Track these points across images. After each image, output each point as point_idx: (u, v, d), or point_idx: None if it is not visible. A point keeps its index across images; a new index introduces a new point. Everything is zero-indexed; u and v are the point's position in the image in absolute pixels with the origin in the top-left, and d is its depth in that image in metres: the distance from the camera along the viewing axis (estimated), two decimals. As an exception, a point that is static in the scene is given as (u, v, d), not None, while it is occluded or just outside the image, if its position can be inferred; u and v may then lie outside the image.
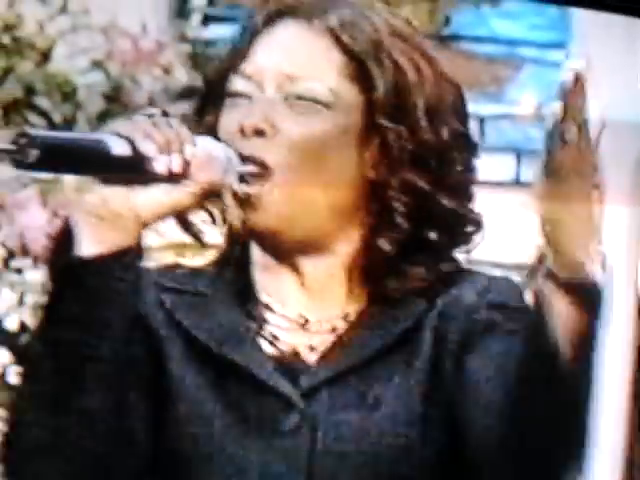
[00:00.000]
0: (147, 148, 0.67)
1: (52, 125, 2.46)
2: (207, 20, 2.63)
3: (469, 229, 0.79)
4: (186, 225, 0.76)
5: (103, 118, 2.44)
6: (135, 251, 0.69)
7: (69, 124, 2.45)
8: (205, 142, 0.71)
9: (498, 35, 2.83)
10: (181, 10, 2.66)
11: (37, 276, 2.44)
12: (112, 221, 0.67)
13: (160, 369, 0.72)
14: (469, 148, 0.80)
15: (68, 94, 2.50)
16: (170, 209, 0.70)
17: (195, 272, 0.79)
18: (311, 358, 0.76)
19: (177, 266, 0.80)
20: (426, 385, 0.73)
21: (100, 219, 0.67)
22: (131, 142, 0.67)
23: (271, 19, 0.78)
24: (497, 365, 0.70)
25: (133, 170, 0.68)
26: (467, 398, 0.71)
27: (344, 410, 0.72)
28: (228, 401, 0.73)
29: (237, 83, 0.77)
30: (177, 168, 0.68)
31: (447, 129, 0.77)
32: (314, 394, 0.74)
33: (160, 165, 0.67)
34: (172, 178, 0.68)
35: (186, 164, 0.68)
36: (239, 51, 0.78)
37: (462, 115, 0.79)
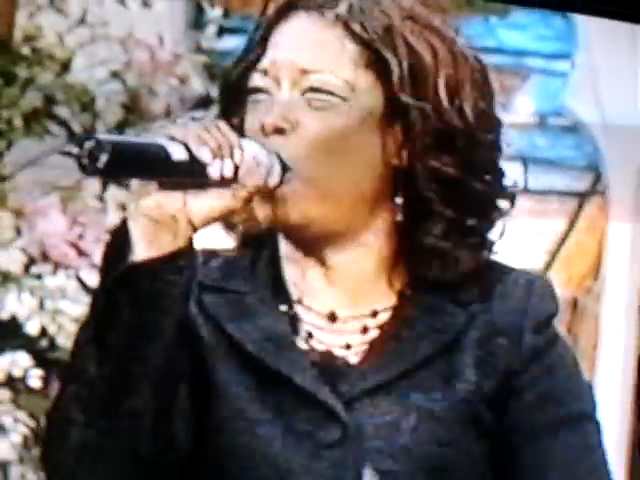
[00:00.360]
0: (202, 153, 0.68)
1: (71, 134, 2.52)
2: (222, 31, 2.69)
3: (503, 209, 0.78)
4: (231, 226, 0.78)
5: (121, 127, 2.50)
6: (187, 254, 0.69)
7: (88, 133, 2.50)
8: (249, 145, 0.72)
9: (506, 46, 2.89)
10: (197, 22, 2.72)
11: (57, 281, 2.51)
12: (166, 225, 0.68)
13: (204, 372, 0.73)
14: (495, 127, 0.78)
15: (87, 104, 2.56)
16: (220, 213, 0.71)
17: (228, 266, 0.79)
18: (350, 361, 0.74)
19: (212, 254, 0.79)
20: (470, 397, 0.72)
21: (155, 223, 0.68)
22: (187, 147, 0.68)
23: (283, 12, 0.77)
24: (540, 395, 0.72)
25: (189, 175, 0.69)
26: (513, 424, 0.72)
27: (389, 422, 0.71)
28: (271, 407, 0.72)
29: (256, 79, 0.76)
30: (229, 173, 0.69)
31: (471, 109, 0.75)
32: (357, 403, 0.72)
33: (214, 170, 0.69)
34: (223, 182, 0.70)
35: (236, 168, 0.70)
36: (256, 47, 0.77)
37: (486, 94, 0.77)
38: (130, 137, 0.78)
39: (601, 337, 2.95)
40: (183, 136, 0.68)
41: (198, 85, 2.56)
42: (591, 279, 3.10)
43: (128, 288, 0.68)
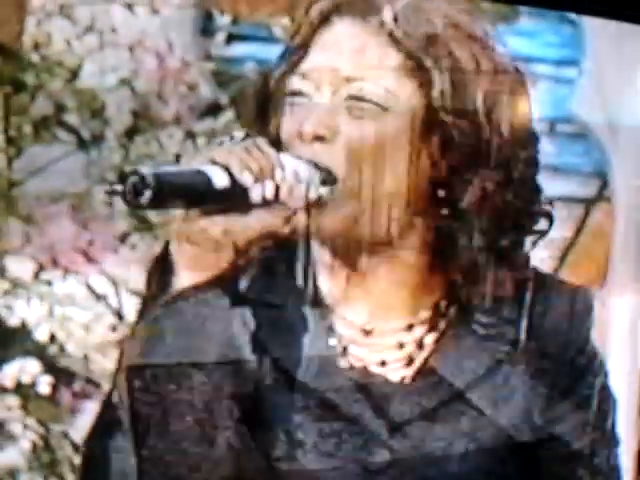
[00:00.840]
0: (244, 178, 0.68)
1: (81, 141, 2.54)
2: (231, 38, 2.70)
3: (540, 225, 0.78)
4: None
5: (131, 134, 2.51)
6: (231, 278, 0.71)
7: (97, 140, 2.52)
8: (289, 162, 0.72)
9: (513, 52, 2.91)
10: (205, 29, 2.74)
11: (66, 288, 2.52)
12: (210, 250, 0.69)
13: (250, 393, 0.74)
14: (532, 143, 0.78)
15: (96, 111, 2.57)
16: (263, 234, 0.71)
17: (265, 276, 0.78)
18: (391, 379, 0.74)
19: (249, 261, 0.78)
20: (517, 422, 0.72)
21: (198, 248, 0.69)
22: (229, 172, 0.69)
23: (327, 16, 0.76)
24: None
25: (232, 200, 0.70)
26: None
27: (441, 447, 0.71)
28: (318, 429, 0.72)
29: (295, 82, 0.76)
30: (270, 195, 0.70)
31: (508, 124, 0.75)
32: (407, 427, 0.72)
33: (256, 193, 0.69)
34: (265, 204, 0.70)
35: (277, 188, 0.70)
36: (297, 50, 0.77)
37: (524, 107, 0.77)
38: (172, 168, 0.78)
39: (609, 342, 2.96)
40: (225, 160, 0.68)
41: (207, 92, 2.57)
42: (598, 286, 3.12)
43: (171, 314, 0.69)
